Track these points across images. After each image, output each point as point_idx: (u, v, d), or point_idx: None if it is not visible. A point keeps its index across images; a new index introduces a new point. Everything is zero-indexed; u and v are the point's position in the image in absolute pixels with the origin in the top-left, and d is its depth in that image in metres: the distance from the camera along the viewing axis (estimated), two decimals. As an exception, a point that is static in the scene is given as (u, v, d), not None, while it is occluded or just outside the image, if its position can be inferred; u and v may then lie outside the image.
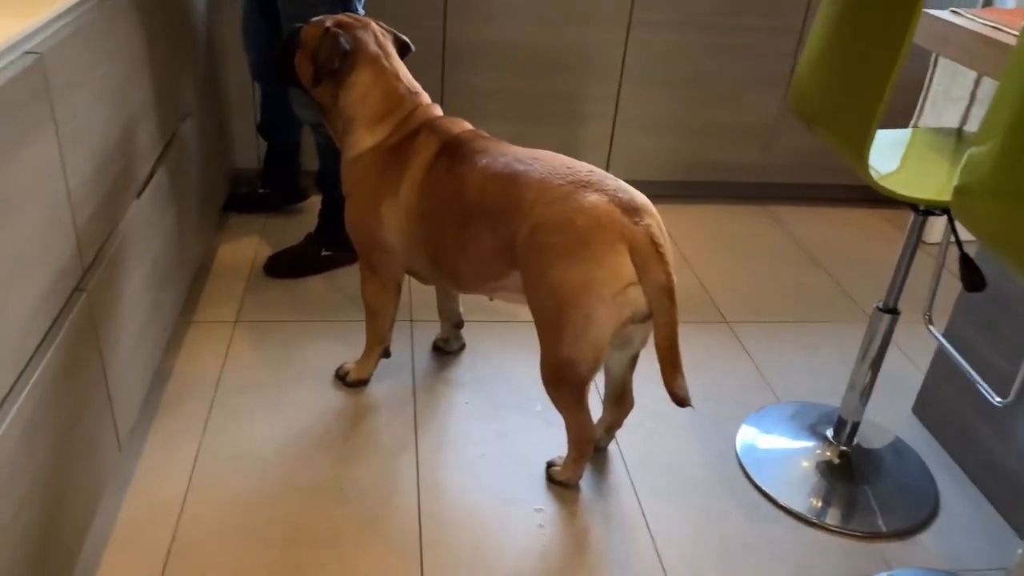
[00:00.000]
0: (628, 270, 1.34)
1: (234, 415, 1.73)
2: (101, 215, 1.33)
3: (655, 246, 1.34)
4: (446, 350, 1.98)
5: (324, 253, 2.25)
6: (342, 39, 1.59)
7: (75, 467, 1.21)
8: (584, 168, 1.45)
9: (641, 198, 1.42)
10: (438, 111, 1.66)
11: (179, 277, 1.83)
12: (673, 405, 1.41)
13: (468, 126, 1.64)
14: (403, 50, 1.72)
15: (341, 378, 1.84)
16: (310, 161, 2.44)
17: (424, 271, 1.66)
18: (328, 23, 1.62)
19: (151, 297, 1.59)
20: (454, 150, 1.56)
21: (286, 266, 2.23)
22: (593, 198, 1.37)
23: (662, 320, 1.36)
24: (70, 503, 1.20)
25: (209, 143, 2.18)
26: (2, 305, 0.99)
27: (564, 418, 1.54)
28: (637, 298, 1.36)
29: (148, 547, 1.41)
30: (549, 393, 1.51)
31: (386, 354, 1.85)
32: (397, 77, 1.64)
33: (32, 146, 1.06)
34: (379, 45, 1.64)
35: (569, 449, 1.58)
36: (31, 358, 1.07)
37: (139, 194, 1.54)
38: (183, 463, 1.60)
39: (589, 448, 1.58)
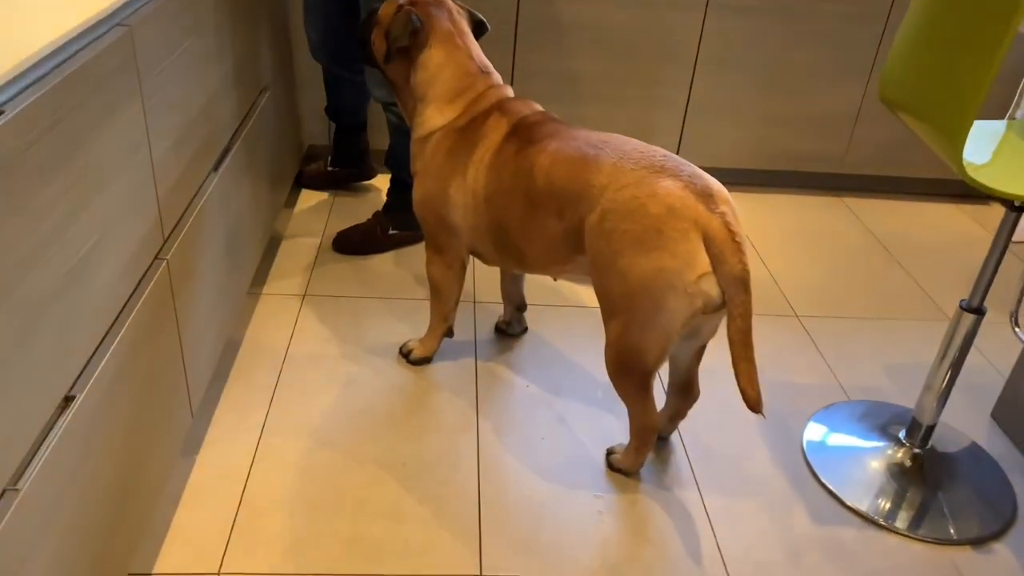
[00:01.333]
0: (702, 259, 1.31)
1: (300, 387, 1.76)
2: (181, 186, 1.36)
3: (731, 235, 1.30)
4: (508, 332, 1.98)
5: (391, 232, 2.27)
6: (413, 16, 1.59)
7: (150, 431, 1.25)
8: (658, 153, 1.41)
9: (717, 185, 1.38)
10: (510, 92, 1.65)
11: (251, 249, 1.87)
12: (737, 397, 1.37)
13: (539, 108, 1.63)
14: (479, 29, 1.70)
15: (405, 355, 1.85)
16: (378, 140, 2.45)
17: (489, 252, 1.66)
18: (403, 0, 1.62)
19: (224, 268, 1.63)
20: (523, 132, 1.54)
21: (353, 243, 2.26)
22: (667, 184, 1.34)
23: (737, 311, 1.32)
24: (145, 465, 1.24)
25: (283, 119, 2.21)
26: (90, 270, 1.02)
27: (628, 407, 1.53)
28: (709, 289, 1.32)
29: (216, 510, 1.45)
30: (613, 381, 1.49)
31: (449, 333, 1.86)
32: (469, 56, 1.63)
33: (120, 116, 1.09)
34: (452, 23, 1.63)
35: (631, 437, 1.56)
36: (113, 323, 1.11)
37: (216, 167, 1.57)
38: (251, 431, 1.63)
39: (652, 438, 1.56)
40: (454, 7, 1.67)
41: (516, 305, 1.95)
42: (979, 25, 1.14)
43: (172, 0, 1.28)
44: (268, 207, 2.04)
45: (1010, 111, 2.46)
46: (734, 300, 1.31)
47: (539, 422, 1.72)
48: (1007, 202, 1.37)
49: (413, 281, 2.16)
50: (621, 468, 1.60)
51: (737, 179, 2.86)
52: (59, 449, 0.95)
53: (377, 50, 1.66)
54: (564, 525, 1.48)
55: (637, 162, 1.39)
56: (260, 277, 2.12)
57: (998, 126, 1.54)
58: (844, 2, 2.50)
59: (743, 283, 1.30)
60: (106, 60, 1.03)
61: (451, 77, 1.61)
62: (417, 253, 2.28)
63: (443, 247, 1.70)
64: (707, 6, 2.49)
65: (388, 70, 1.67)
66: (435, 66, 1.61)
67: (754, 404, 1.36)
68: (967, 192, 2.85)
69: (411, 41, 1.60)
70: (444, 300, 1.77)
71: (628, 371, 1.45)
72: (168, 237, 1.31)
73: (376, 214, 2.29)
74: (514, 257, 1.61)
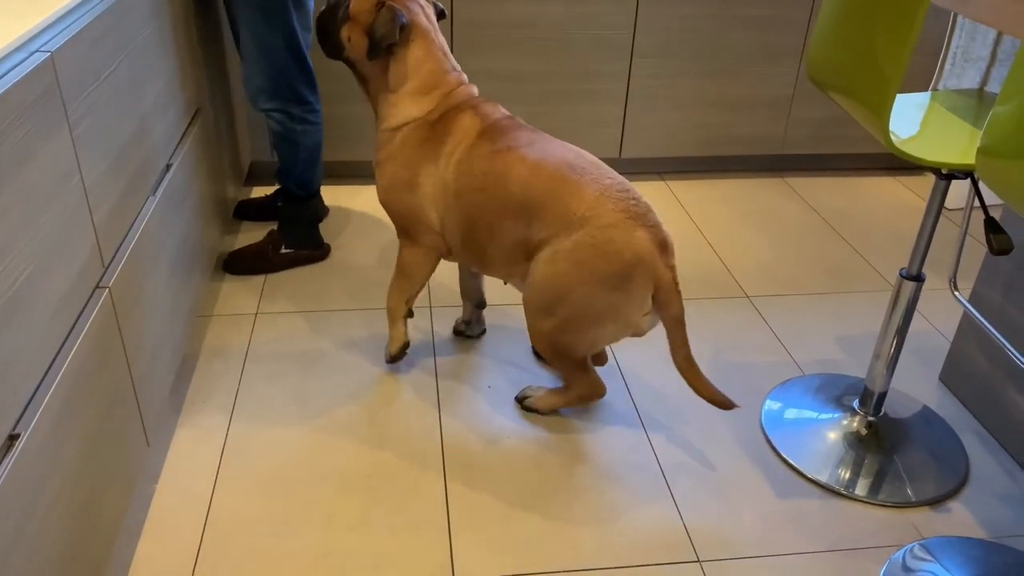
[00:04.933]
0: (648, 303, 1.52)
1: (259, 406, 1.74)
2: (119, 212, 1.34)
3: (675, 284, 1.51)
4: (468, 334, 1.98)
5: (284, 250, 2.21)
6: (400, 13, 1.59)
7: (105, 462, 1.23)
8: (631, 193, 1.52)
9: (669, 236, 1.54)
10: (475, 90, 1.69)
11: (198, 271, 1.84)
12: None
13: (506, 112, 1.68)
14: (438, 16, 1.73)
15: (391, 360, 1.85)
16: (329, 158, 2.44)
17: (455, 246, 1.68)
18: None
19: (172, 292, 1.60)
20: (496, 134, 1.59)
21: (244, 262, 2.19)
22: (640, 234, 1.48)
23: (678, 344, 1.54)
24: (102, 498, 1.21)
25: (222, 137, 2.18)
26: (25, 305, 1.00)
27: (568, 380, 1.68)
28: (645, 325, 1.56)
29: (180, 537, 1.43)
30: (549, 361, 1.65)
31: (409, 314, 1.84)
32: (444, 53, 1.66)
33: (47, 145, 1.07)
34: (427, 18, 1.66)
35: (569, 398, 1.71)
36: (55, 357, 1.08)
37: (155, 190, 1.55)
38: (211, 454, 1.61)
39: (591, 403, 1.73)
40: (422, 0, 1.68)
41: (476, 303, 1.95)
42: (892, 5, 1.18)
43: (95, 24, 1.25)
44: (214, 226, 2.02)
45: (932, 82, 2.53)
46: (674, 335, 1.54)
47: (503, 421, 1.73)
48: (936, 170, 1.42)
49: (366, 292, 2.15)
50: (537, 408, 1.74)
51: (680, 166, 2.90)
52: (6, 489, 0.92)
53: (355, 47, 1.65)
54: (534, 521, 1.49)
55: (617, 202, 1.49)
56: (211, 298, 2.09)
57: (923, 98, 1.59)
58: (771, -14, 2.55)
59: (681, 322, 1.54)
60: (26, 89, 1.01)
61: (429, 72, 1.64)
62: (372, 263, 2.27)
63: (416, 235, 1.69)
64: (639, -2, 2.52)
65: (364, 64, 1.66)
66: (415, 60, 1.63)
67: (724, 405, 1.56)
68: (902, 164, 2.93)
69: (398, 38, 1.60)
70: (410, 284, 1.76)
71: (562, 357, 1.63)
72: (108, 265, 1.29)
73: (271, 232, 2.23)
74: (476, 254, 1.65)
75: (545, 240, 1.53)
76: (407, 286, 1.76)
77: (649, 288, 1.50)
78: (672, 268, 1.51)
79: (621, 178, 1.55)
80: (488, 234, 1.59)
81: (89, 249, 1.20)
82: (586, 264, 1.48)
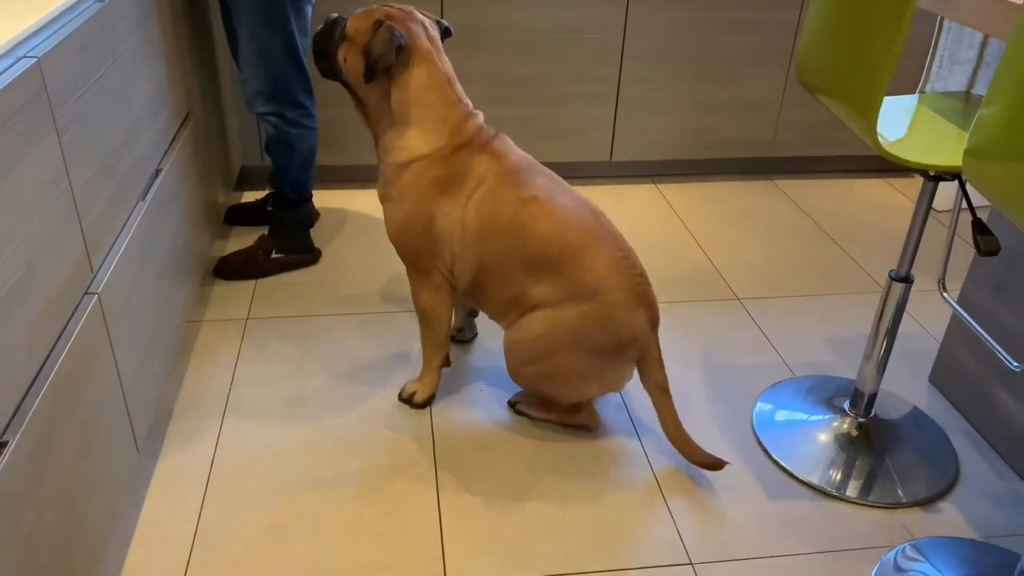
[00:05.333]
0: (631, 373, 1.63)
1: (250, 411, 1.73)
2: (108, 218, 1.33)
3: (659, 355, 1.60)
4: (460, 339, 1.98)
5: (274, 255, 2.20)
6: (397, 32, 1.52)
7: (94, 469, 1.22)
8: (638, 268, 1.57)
9: (658, 311, 1.61)
10: (480, 119, 1.62)
11: (189, 276, 1.83)
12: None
13: (515, 146, 1.64)
14: (443, 35, 1.66)
15: (407, 401, 1.76)
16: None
17: (461, 281, 1.64)
18: (377, 15, 1.55)
19: (162, 297, 1.60)
20: (519, 180, 1.57)
21: (234, 268, 2.18)
22: (640, 316, 1.55)
23: (665, 411, 1.60)
24: (92, 505, 1.20)
25: (212, 141, 2.17)
26: (12, 311, 0.99)
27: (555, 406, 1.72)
28: (620, 388, 1.66)
29: (171, 545, 1.42)
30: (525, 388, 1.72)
31: (446, 362, 1.79)
32: (449, 80, 1.58)
33: (34, 151, 1.06)
34: (430, 40, 1.58)
35: (556, 412, 1.72)
36: (43, 363, 1.08)
37: (145, 195, 1.54)
38: (202, 460, 1.60)
39: (580, 430, 1.73)
40: (425, 19, 1.61)
41: (468, 310, 1.95)
42: (881, 6, 1.19)
43: (82, 29, 1.25)
44: (204, 231, 2.01)
45: (920, 85, 2.55)
46: (661, 402, 1.60)
47: (495, 425, 1.73)
48: (923, 172, 1.42)
49: (357, 296, 2.15)
50: (528, 415, 1.74)
51: (670, 169, 2.91)
52: (-5, 497, 0.92)
53: (351, 68, 1.58)
54: (525, 525, 1.49)
55: (625, 280, 1.54)
56: (202, 304, 2.09)
57: (911, 100, 1.60)
58: (760, -10, 2.57)
59: (666, 390, 1.60)
60: (13, 95, 1.01)
61: (435, 101, 1.56)
62: (361, 264, 2.27)
63: (426, 269, 1.64)
64: (628, 1, 2.53)
65: (361, 89, 1.59)
66: (418, 86, 1.55)
67: (716, 466, 1.59)
68: (891, 166, 2.95)
69: (395, 59, 1.53)
70: (436, 328, 1.70)
71: (542, 398, 1.69)
72: (97, 271, 1.28)
73: (261, 237, 2.22)
74: (477, 296, 1.65)
75: (547, 302, 1.55)
76: (434, 328, 1.70)
77: (634, 361, 1.59)
78: (657, 341, 1.60)
79: (629, 247, 1.58)
80: (497, 279, 1.59)
81: (78, 255, 1.20)
82: (585, 334, 1.53)
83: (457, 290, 1.67)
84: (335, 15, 1.61)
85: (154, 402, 1.53)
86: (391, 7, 1.59)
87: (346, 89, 1.64)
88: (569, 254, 1.53)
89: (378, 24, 1.53)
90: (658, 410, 1.61)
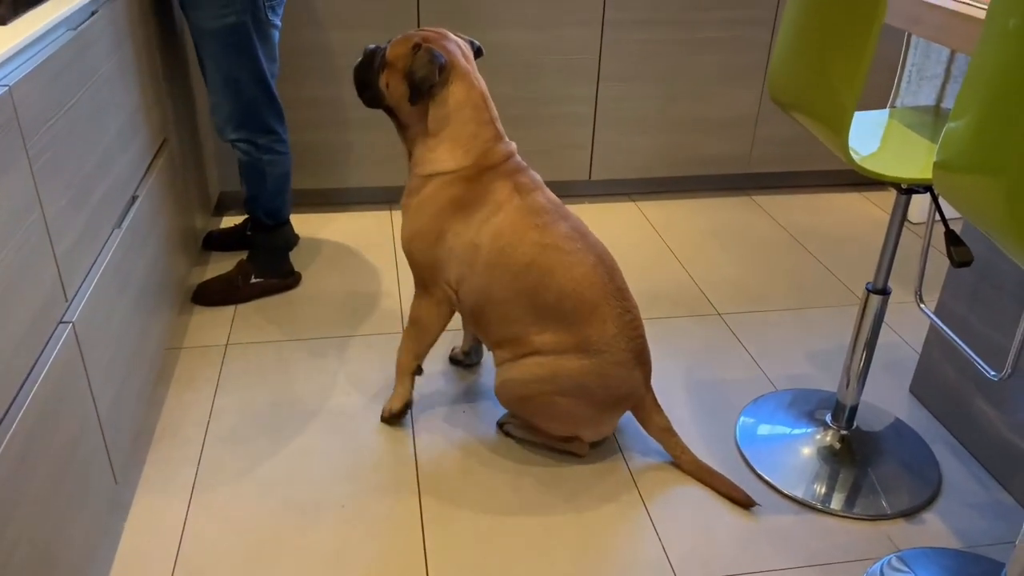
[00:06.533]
0: (616, 422, 1.68)
1: (231, 438, 1.71)
2: (82, 246, 1.32)
3: (655, 400, 1.65)
4: (465, 363, 1.97)
5: (254, 280, 2.19)
6: (437, 53, 1.54)
7: (71, 501, 1.20)
8: (640, 329, 1.61)
9: (651, 365, 1.65)
10: (512, 146, 1.63)
11: (167, 303, 1.82)
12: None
13: (548, 191, 1.64)
14: (476, 54, 1.68)
15: (388, 420, 1.77)
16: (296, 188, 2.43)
17: (464, 301, 1.64)
18: (415, 39, 1.57)
19: (139, 325, 1.58)
20: (542, 223, 1.57)
21: (213, 293, 2.17)
22: (637, 375, 1.60)
23: (677, 451, 1.65)
24: (68, 537, 1.18)
25: (189, 167, 2.17)
26: (-16, 342, 0.98)
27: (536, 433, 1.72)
28: (611, 432, 1.70)
29: (151, 575, 1.40)
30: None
31: (419, 371, 1.79)
32: (484, 97, 1.60)
33: (5, 180, 1.05)
34: (466, 59, 1.61)
35: (543, 435, 1.70)
36: (16, 395, 1.06)
37: (120, 222, 1.53)
38: (182, 488, 1.58)
39: (567, 454, 1.72)
40: (459, 39, 1.63)
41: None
42: (847, 24, 1.21)
43: (55, 57, 1.25)
44: (182, 258, 2.00)
45: (890, 99, 2.59)
46: (669, 444, 1.66)
47: (478, 445, 1.72)
48: (896, 185, 1.44)
49: (337, 320, 2.14)
50: (516, 436, 1.74)
51: (650, 187, 2.93)
52: (-34, 533, 0.90)
53: (395, 93, 1.60)
54: (510, 548, 1.48)
55: (628, 341, 1.58)
56: (180, 331, 2.07)
57: (882, 115, 1.62)
58: (733, 8, 2.60)
59: (670, 430, 1.66)
60: (-15, 123, 1.00)
61: (468, 118, 1.58)
62: (341, 288, 2.26)
63: (431, 283, 1.65)
64: (603, 22, 2.56)
65: (404, 110, 1.61)
66: (455, 103, 1.57)
67: (745, 503, 1.59)
68: (867, 180, 2.99)
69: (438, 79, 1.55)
70: (422, 339, 1.71)
71: (537, 429, 1.69)
72: (72, 299, 1.27)
73: (240, 262, 2.21)
74: (478, 322, 1.64)
75: (548, 350, 1.56)
76: (419, 339, 1.71)
77: (624, 411, 1.64)
78: (651, 389, 1.64)
79: (633, 303, 1.61)
80: (500, 315, 1.59)
81: (51, 284, 1.18)
82: (585, 388, 1.56)
83: (459, 309, 1.68)
84: (373, 45, 1.65)
85: (132, 431, 1.51)
86: (426, 30, 1.61)
87: (387, 114, 1.66)
88: (581, 313, 1.54)
89: (417, 47, 1.56)
90: (671, 451, 1.66)
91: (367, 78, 1.64)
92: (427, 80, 1.53)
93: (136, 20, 1.72)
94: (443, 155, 1.59)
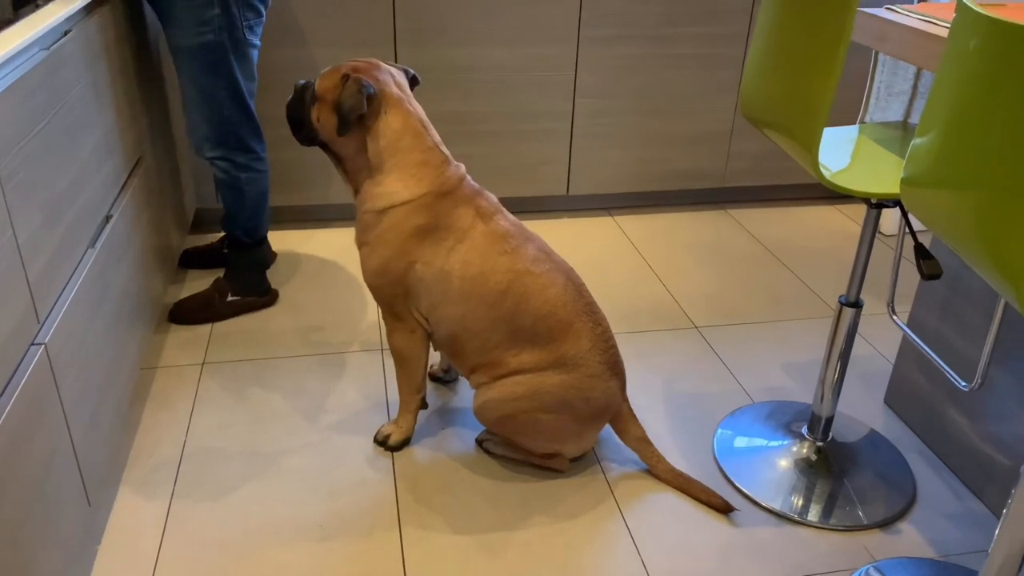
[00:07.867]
0: (597, 436, 1.68)
1: (207, 458, 1.70)
2: (55, 266, 1.31)
3: (631, 412, 1.68)
4: (445, 380, 1.96)
5: (231, 299, 2.18)
6: (365, 82, 1.52)
7: (43, 524, 1.18)
8: (612, 340, 1.63)
9: (626, 376, 1.68)
10: (462, 170, 1.62)
11: (142, 323, 1.80)
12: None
13: (508, 213, 1.64)
14: (412, 83, 1.67)
15: (382, 443, 1.74)
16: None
17: (437, 329, 1.63)
18: (343, 70, 1.56)
19: (114, 346, 1.57)
20: (509, 248, 1.57)
21: (190, 312, 2.16)
22: (614, 385, 1.62)
23: (653, 460, 1.68)
24: (41, 563, 1.16)
25: (164, 185, 2.15)
26: (-46, 366, 0.97)
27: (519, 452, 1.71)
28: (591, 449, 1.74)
29: (125, 602, 1.38)
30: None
31: (423, 405, 1.77)
32: (423, 124, 1.59)
33: (-23, 201, 1.04)
34: (399, 87, 1.59)
35: (523, 451, 1.69)
36: (-12, 418, 1.05)
37: (94, 242, 1.52)
38: (157, 511, 1.56)
39: (547, 470, 1.72)
40: (392, 69, 1.62)
41: None
42: (815, 43, 1.23)
43: (27, 78, 1.24)
44: (157, 277, 1.98)
45: (860, 116, 2.63)
46: (646, 452, 1.68)
47: (457, 464, 1.71)
48: (866, 200, 1.47)
49: (315, 337, 2.13)
50: (494, 453, 1.74)
51: (626, 202, 2.95)
52: (-66, 560, 0.88)
53: (324, 125, 1.58)
54: (491, 563, 1.47)
55: (602, 353, 1.60)
56: (156, 350, 2.05)
57: (852, 131, 1.65)
58: (706, 25, 2.64)
59: (645, 440, 1.68)
60: (-45, 145, 0.99)
61: (410, 146, 1.56)
62: (318, 306, 2.25)
63: (402, 314, 1.64)
64: (579, 38, 2.59)
65: (339, 144, 1.59)
66: (393, 133, 1.55)
67: (723, 508, 1.61)
68: (839, 194, 3.03)
69: (367, 108, 1.53)
70: (412, 370, 1.69)
71: (517, 446, 1.69)
72: (44, 321, 1.26)
73: (217, 280, 2.20)
74: (456, 350, 1.63)
75: (526, 369, 1.57)
76: (409, 371, 1.69)
77: (603, 425, 1.66)
78: (627, 400, 1.67)
79: (603, 316, 1.63)
80: (478, 344, 1.59)
81: (23, 305, 1.17)
82: (567, 402, 1.58)
83: (432, 337, 1.67)
84: (302, 81, 1.63)
85: (106, 453, 1.50)
86: (356, 61, 1.60)
87: (323, 150, 1.63)
88: (557, 332, 1.56)
89: (345, 78, 1.54)
90: (647, 461, 1.68)
91: (299, 115, 1.61)
92: (355, 110, 1.51)
93: (111, 38, 1.71)
94: (393, 186, 1.56)
